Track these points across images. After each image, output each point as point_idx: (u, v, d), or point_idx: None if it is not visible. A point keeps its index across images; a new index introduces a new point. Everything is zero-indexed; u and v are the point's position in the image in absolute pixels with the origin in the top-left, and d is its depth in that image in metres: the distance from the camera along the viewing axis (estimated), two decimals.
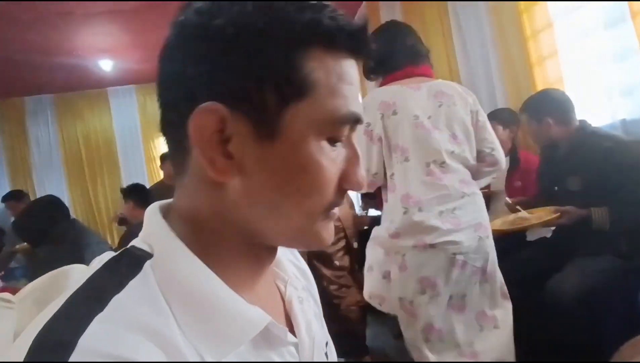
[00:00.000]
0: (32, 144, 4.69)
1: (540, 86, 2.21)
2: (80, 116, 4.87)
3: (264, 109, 0.33)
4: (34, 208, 2.10)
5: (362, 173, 0.39)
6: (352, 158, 0.38)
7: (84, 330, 0.29)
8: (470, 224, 1.32)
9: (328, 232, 0.39)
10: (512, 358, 1.34)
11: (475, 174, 1.42)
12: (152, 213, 0.39)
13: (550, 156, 1.88)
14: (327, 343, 0.49)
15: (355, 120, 0.37)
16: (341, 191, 0.38)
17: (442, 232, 1.29)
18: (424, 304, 1.32)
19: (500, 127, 2.28)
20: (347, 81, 0.36)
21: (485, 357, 1.31)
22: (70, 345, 0.28)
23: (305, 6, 0.34)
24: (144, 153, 5.01)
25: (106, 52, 3.91)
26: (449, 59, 2.94)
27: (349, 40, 0.35)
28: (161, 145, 4.97)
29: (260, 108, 0.33)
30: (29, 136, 4.69)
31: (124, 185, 2.99)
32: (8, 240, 2.93)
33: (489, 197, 2.38)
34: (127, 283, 0.33)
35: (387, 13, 3.51)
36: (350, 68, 0.36)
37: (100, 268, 0.35)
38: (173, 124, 0.36)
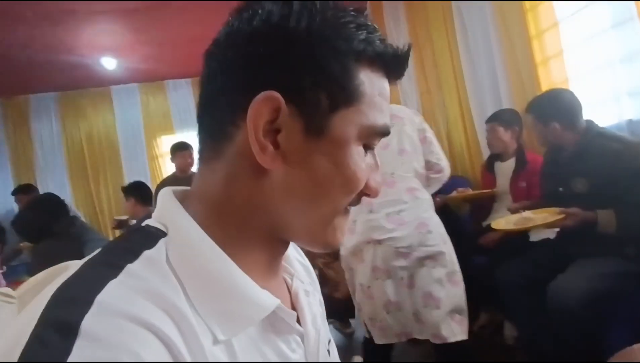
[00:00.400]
0: (36, 142, 4.69)
1: (544, 87, 2.19)
2: (83, 114, 4.86)
3: (316, 108, 0.37)
4: (32, 205, 2.10)
5: (379, 180, 0.43)
6: (374, 166, 0.42)
7: (100, 290, 0.30)
8: (413, 223, 1.59)
9: (342, 232, 0.42)
10: (446, 332, 1.58)
11: (426, 181, 1.72)
12: (166, 196, 0.41)
13: (555, 158, 1.85)
14: (329, 342, 0.50)
15: (386, 132, 0.41)
16: (360, 194, 0.41)
17: (387, 230, 1.59)
18: (379, 287, 1.62)
19: (501, 129, 2.26)
20: (385, 98, 0.41)
21: (425, 329, 1.61)
22: (88, 302, 0.29)
23: (362, 25, 0.38)
24: (147, 152, 5.01)
25: (109, 50, 3.91)
26: (452, 59, 2.93)
27: (392, 63, 0.40)
28: (164, 143, 4.98)
29: (313, 107, 0.36)
30: (32, 134, 4.69)
31: (126, 183, 2.99)
32: (13, 238, 2.93)
33: (494, 198, 2.37)
34: (140, 254, 0.34)
35: (390, 13, 3.50)
36: (387, 86, 0.41)
37: (115, 239, 0.38)
38: (220, 109, 0.38)
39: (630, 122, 1.87)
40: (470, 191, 2.43)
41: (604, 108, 2.00)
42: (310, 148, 0.37)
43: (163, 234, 0.37)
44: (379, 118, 0.39)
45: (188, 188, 0.43)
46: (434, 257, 1.60)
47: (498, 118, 2.29)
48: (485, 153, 2.61)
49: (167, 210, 0.39)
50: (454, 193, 2.44)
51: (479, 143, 2.78)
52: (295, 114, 0.36)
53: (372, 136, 0.40)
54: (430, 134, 1.73)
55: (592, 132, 1.68)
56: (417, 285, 1.60)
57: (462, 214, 2.70)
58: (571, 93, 1.75)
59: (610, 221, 1.52)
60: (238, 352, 0.35)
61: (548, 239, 1.87)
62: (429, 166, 1.71)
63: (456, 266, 1.65)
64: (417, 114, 1.76)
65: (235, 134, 0.37)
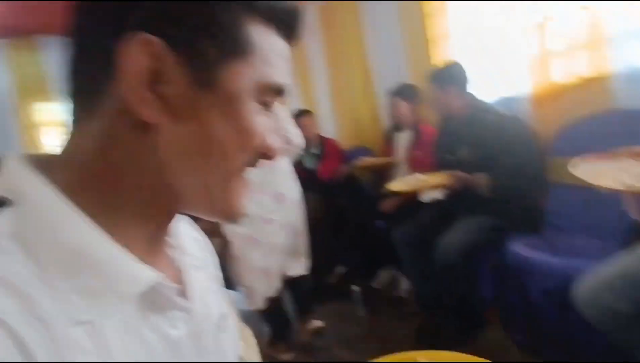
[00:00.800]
0: None
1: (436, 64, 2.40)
2: None
3: (204, 57, 0.34)
4: None
5: (279, 141, 0.41)
6: (273, 127, 0.40)
7: None
8: (271, 193, 1.81)
9: (243, 199, 0.40)
10: (290, 269, 1.96)
11: (283, 152, 1.84)
12: (14, 162, 0.34)
13: (445, 128, 2.07)
14: (224, 317, 0.48)
15: (283, 90, 0.39)
16: (259, 155, 0.39)
17: (250, 200, 1.68)
18: (253, 258, 1.83)
19: (404, 103, 2.42)
20: (280, 55, 0.39)
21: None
22: None
23: None
24: (19, 120, 4.30)
25: None
26: (359, 36, 3.04)
27: (284, 19, 0.39)
28: (39, 111, 4.32)
29: (200, 55, 0.34)
30: None
31: None
32: None
33: (393, 166, 2.56)
34: None
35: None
36: (283, 45, 0.39)
37: None
38: (93, 61, 0.34)
39: (503, 99, 2.15)
40: (372, 160, 2.59)
41: (482, 86, 2.25)
42: (200, 100, 0.34)
43: (9, 202, 0.32)
44: (274, 75, 0.38)
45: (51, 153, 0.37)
46: (287, 221, 1.88)
47: (399, 92, 2.44)
48: (387, 125, 2.78)
49: (14, 177, 0.33)
50: (357, 162, 2.58)
51: (381, 115, 2.95)
52: (180, 63, 0.33)
53: (267, 93, 0.38)
54: (280, 111, 1.87)
55: (476, 105, 1.91)
56: (276, 245, 1.88)
57: (365, 181, 2.87)
58: (462, 66, 1.97)
59: (485, 183, 1.76)
60: (107, 333, 0.32)
61: (438, 201, 2.09)
62: (282, 139, 1.87)
63: (300, 224, 1.97)
64: None
65: (111, 87, 0.33)
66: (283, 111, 1.90)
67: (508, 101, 2.11)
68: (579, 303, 1.17)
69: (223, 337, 0.46)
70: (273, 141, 0.40)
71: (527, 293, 1.55)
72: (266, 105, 0.39)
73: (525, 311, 1.62)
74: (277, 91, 0.39)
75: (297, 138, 1.93)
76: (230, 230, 1.83)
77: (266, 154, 0.40)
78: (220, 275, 0.53)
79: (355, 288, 2.30)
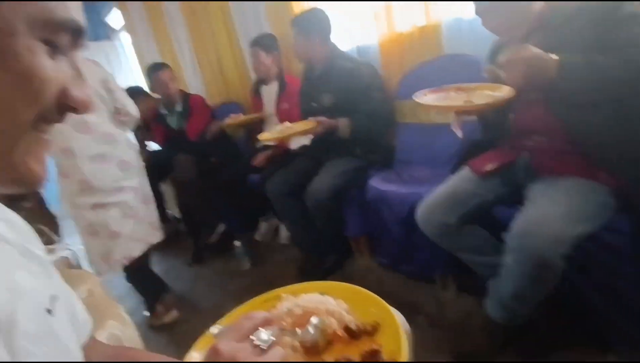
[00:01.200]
0: None
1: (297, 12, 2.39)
2: None
3: None
4: None
5: (88, 92, 0.36)
6: (76, 76, 0.35)
7: None
8: (116, 161, 1.83)
9: (39, 160, 0.34)
10: (148, 237, 1.98)
11: (121, 124, 1.91)
12: None
13: (308, 77, 2.13)
14: (53, 300, 0.43)
15: (75, 29, 0.34)
16: (61, 108, 0.34)
17: (95, 171, 1.77)
18: (107, 224, 1.82)
19: (263, 53, 2.38)
20: None
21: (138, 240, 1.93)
22: None
23: None
24: None
25: None
26: None
27: None
28: None
29: None
30: None
31: None
32: None
33: (263, 121, 2.57)
34: None
35: None
36: None
37: None
38: None
39: (358, 48, 2.29)
40: (242, 117, 2.55)
41: (340, 36, 2.35)
42: None
43: None
44: (58, 8, 0.32)
45: None
46: (134, 187, 1.91)
47: (259, 43, 2.38)
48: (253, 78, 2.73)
49: None
50: (227, 120, 2.51)
51: (248, 68, 2.88)
52: None
53: (51, 30, 0.32)
54: (113, 84, 1.85)
55: (335, 53, 2.00)
56: (129, 209, 1.89)
57: (238, 137, 2.83)
58: (325, 13, 1.99)
59: (346, 127, 1.90)
60: None
61: (305, 146, 2.18)
62: (117, 111, 1.88)
63: (148, 189, 2.02)
64: (98, 65, 1.85)
65: None
66: (115, 86, 1.85)
67: (362, 50, 2.26)
68: (419, 223, 1.39)
69: (54, 322, 0.41)
70: (79, 92, 0.35)
71: (385, 221, 1.78)
72: (57, 47, 0.33)
73: (384, 236, 1.87)
74: (66, 29, 0.33)
75: (133, 108, 1.90)
76: (79, 202, 1.78)
77: (69, 106, 0.34)
78: (42, 254, 0.47)
79: (237, 243, 2.33)
